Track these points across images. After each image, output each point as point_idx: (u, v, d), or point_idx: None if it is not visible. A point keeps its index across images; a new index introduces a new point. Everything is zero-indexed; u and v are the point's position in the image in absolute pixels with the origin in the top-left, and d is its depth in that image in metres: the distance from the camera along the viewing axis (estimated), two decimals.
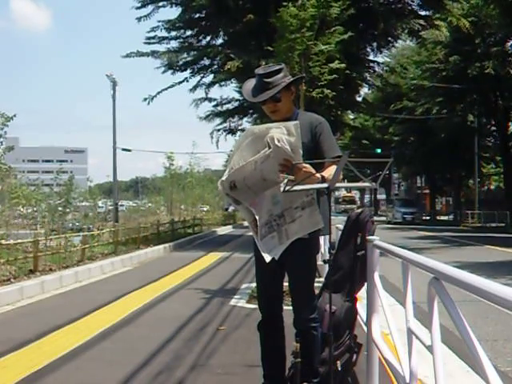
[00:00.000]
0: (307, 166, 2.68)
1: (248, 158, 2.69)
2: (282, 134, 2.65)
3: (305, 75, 6.07)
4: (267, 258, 2.76)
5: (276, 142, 2.61)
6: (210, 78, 18.94)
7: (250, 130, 2.82)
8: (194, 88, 18.94)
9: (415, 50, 29.66)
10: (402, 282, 2.34)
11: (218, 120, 20.54)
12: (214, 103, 20.17)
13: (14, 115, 9.92)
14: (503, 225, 28.65)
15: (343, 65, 7.69)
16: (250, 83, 3.00)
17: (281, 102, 2.90)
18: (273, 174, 2.65)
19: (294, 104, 3.08)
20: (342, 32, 7.10)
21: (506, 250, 14.67)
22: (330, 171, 2.68)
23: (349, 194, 72.80)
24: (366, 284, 3.18)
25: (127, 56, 17.87)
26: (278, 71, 2.89)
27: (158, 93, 18.37)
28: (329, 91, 7.34)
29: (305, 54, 6.61)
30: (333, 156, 2.85)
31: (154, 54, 17.81)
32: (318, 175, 2.68)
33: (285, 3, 6.66)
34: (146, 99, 18.32)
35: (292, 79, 2.96)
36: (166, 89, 18.45)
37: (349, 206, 58.72)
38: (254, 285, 7.57)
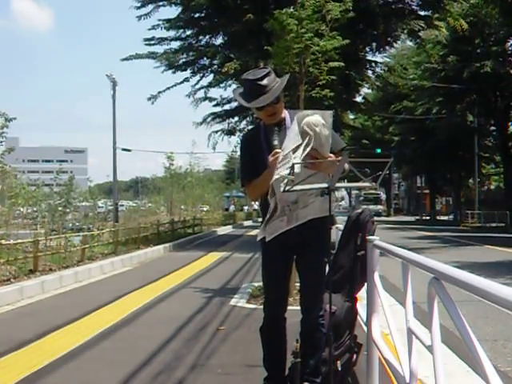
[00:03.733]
0: (331, 155, 2.71)
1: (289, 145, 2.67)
2: (319, 122, 2.66)
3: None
4: (268, 237, 2.79)
5: (315, 128, 2.63)
6: (210, 77, 18.93)
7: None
8: (194, 92, 18.92)
9: (415, 51, 29.64)
10: (402, 282, 2.34)
11: (216, 122, 20.43)
12: (213, 103, 20.13)
13: (15, 118, 9.91)
14: (503, 225, 28.59)
15: (342, 64, 7.64)
16: (241, 90, 2.96)
17: (279, 103, 2.90)
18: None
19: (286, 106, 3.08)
20: (339, 38, 7.06)
21: (506, 249, 14.66)
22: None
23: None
24: (366, 284, 3.19)
25: (126, 59, 17.88)
26: (269, 73, 2.88)
27: (160, 92, 18.33)
28: (328, 91, 7.31)
29: (304, 53, 6.59)
30: (339, 149, 2.89)
31: (152, 55, 17.78)
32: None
33: (283, 11, 6.63)
34: (149, 99, 18.26)
35: (285, 79, 2.95)
36: (168, 88, 18.41)
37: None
38: (254, 284, 7.59)
